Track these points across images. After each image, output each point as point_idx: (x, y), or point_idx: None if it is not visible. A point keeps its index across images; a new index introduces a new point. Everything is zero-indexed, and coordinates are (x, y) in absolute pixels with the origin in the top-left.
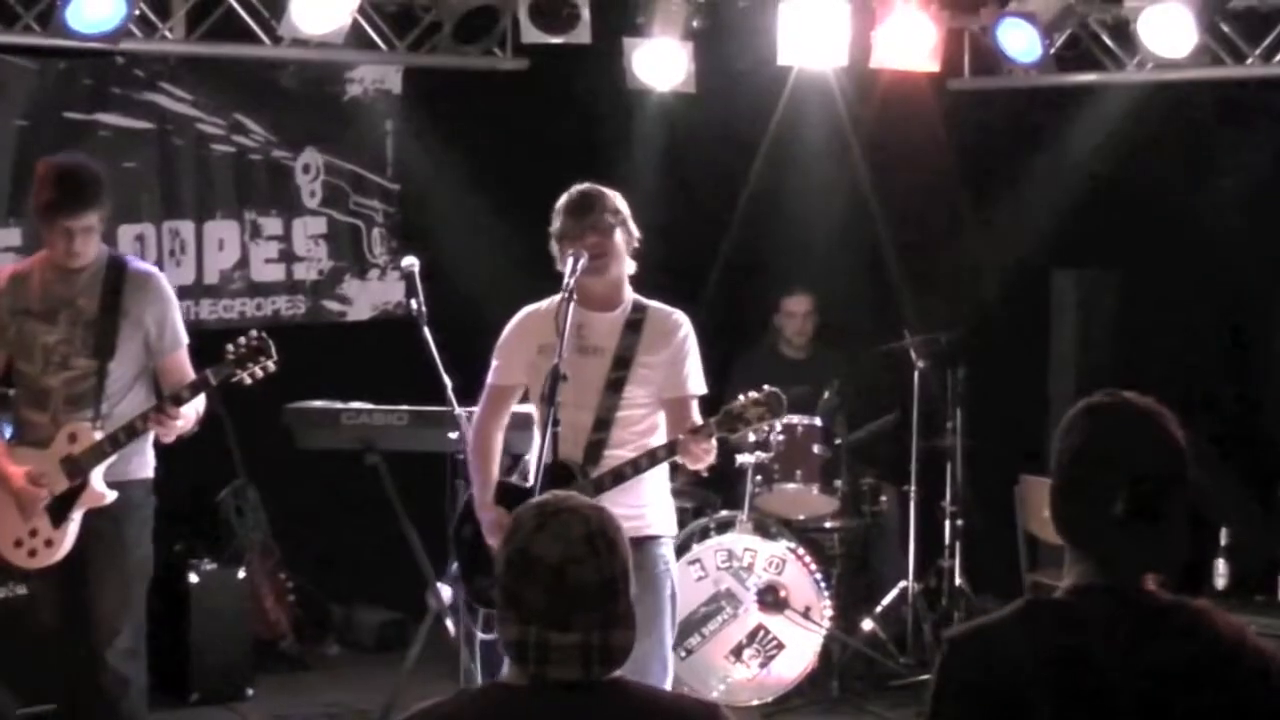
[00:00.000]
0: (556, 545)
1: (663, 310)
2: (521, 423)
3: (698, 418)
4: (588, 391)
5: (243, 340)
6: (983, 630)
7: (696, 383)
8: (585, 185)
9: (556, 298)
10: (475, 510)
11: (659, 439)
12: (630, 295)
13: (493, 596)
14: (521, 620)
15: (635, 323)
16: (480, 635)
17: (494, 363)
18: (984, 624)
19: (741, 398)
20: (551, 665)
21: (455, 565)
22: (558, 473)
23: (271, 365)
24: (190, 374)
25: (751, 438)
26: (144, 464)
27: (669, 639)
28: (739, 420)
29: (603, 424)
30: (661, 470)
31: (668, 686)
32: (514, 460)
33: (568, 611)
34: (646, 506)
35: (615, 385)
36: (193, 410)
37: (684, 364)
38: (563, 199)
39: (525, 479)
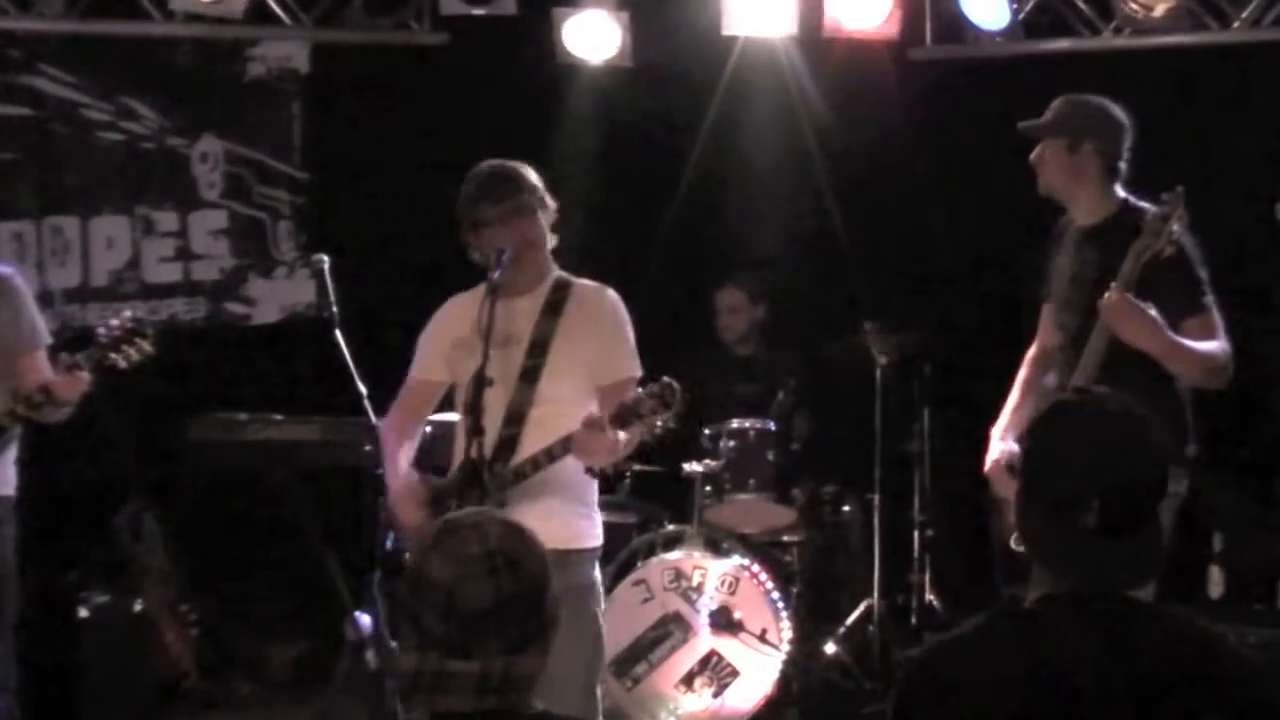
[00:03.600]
0: (449, 565)
1: (588, 287)
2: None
3: None
4: (502, 384)
5: (115, 321)
6: (944, 648)
7: (632, 364)
8: (494, 163)
9: (479, 286)
10: (399, 517)
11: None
12: (553, 274)
13: None
14: (421, 648)
15: (555, 303)
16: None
17: (415, 356)
18: (944, 641)
19: (634, 391)
20: (442, 695)
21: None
22: (465, 473)
23: (148, 347)
24: (50, 376)
25: (646, 439)
26: (4, 481)
27: (596, 667)
28: (631, 414)
29: (515, 419)
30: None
31: None
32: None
33: (464, 637)
34: (562, 514)
35: (530, 375)
36: (75, 393)
37: (615, 344)
38: (471, 181)
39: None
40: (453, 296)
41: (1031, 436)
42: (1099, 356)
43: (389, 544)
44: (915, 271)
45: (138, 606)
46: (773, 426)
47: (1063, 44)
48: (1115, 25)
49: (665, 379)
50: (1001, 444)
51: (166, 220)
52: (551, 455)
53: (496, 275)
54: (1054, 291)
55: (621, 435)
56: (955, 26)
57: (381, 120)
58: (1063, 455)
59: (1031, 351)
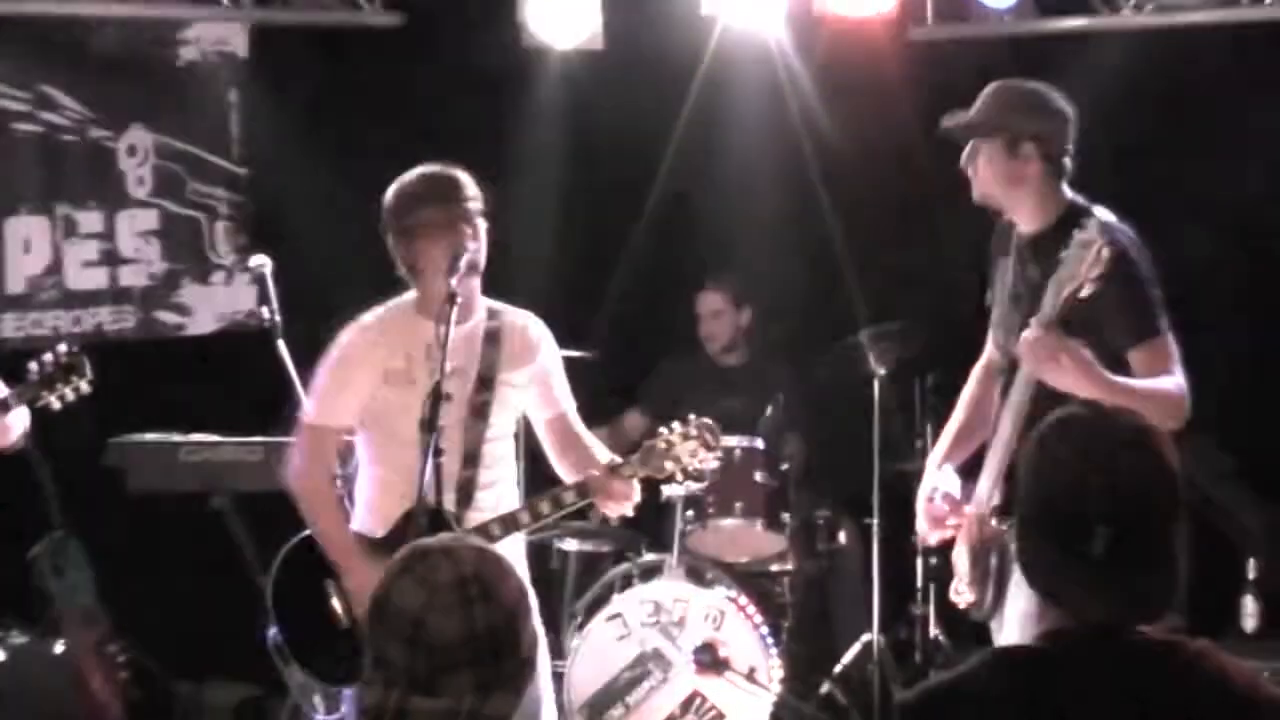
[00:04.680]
0: (419, 593)
1: (518, 316)
2: None
3: (584, 430)
4: (456, 409)
5: (50, 356)
6: (941, 691)
7: (569, 394)
8: (433, 168)
9: (395, 305)
10: (343, 577)
11: (515, 470)
12: (483, 301)
13: (336, 670)
14: (386, 684)
15: (493, 333)
16: (320, 718)
17: (317, 392)
18: (942, 683)
19: (664, 430)
20: None
21: (275, 633)
22: (426, 521)
23: (85, 386)
24: None
25: (680, 481)
26: None
27: (548, 699)
28: (665, 457)
29: (471, 459)
30: (514, 499)
31: None
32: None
33: (432, 672)
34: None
35: (481, 411)
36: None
37: (558, 375)
38: (408, 186)
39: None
40: (359, 322)
41: (1031, 456)
42: (1026, 396)
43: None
44: (916, 273)
45: (59, 648)
46: (760, 445)
47: (1078, 22)
48: (1136, 2)
49: (700, 419)
50: (926, 480)
51: (90, 220)
52: (537, 514)
53: (454, 282)
54: (995, 304)
55: (633, 483)
56: (960, 3)
57: (328, 110)
58: (1065, 476)
59: (979, 367)
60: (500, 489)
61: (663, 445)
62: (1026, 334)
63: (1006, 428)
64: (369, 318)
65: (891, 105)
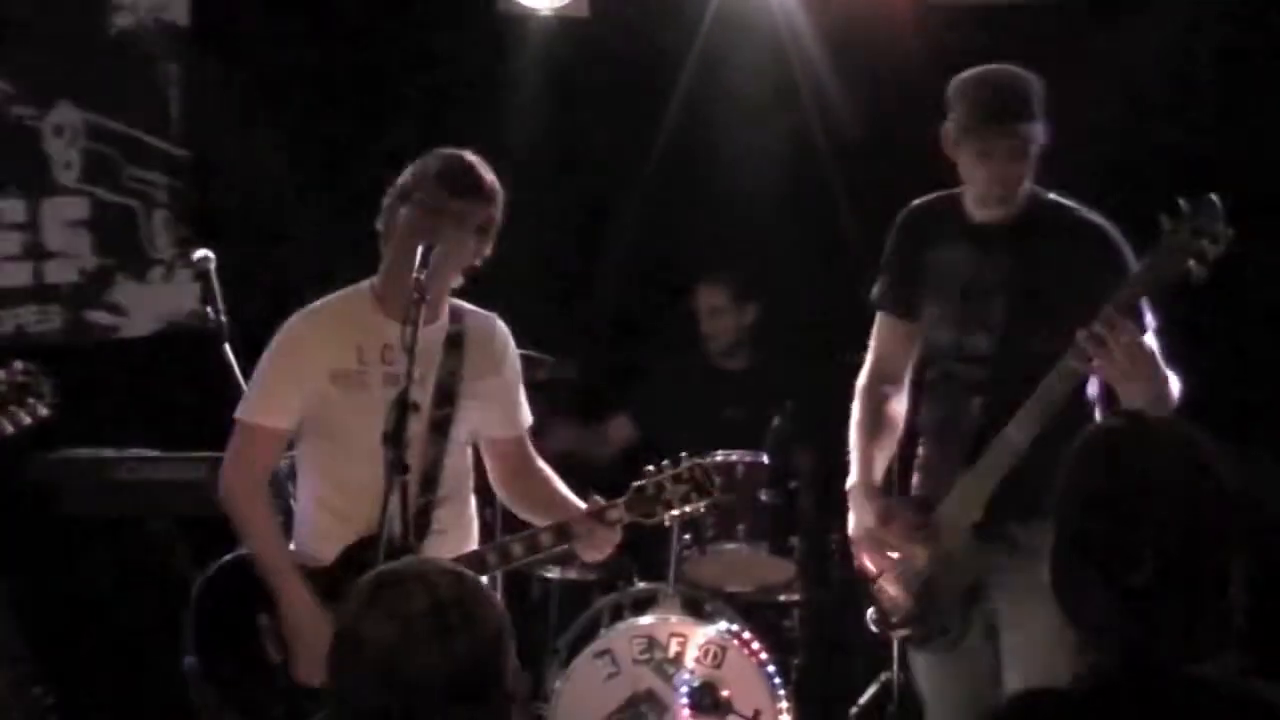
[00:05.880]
0: (391, 624)
1: (481, 318)
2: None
3: (536, 454)
4: (415, 422)
5: (2, 374)
6: None
7: (528, 413)
8: (469, 156)
9: (350, 294)
10: (278, 602)
11: (469, 486)
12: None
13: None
14: None
15: (456, 338)
16: None
17: (257, 389)
18: None
19: (653, 471)
20: None
21: (191, 661)
22: (383, 552)
23: (43, 409)
24: None
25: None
26: None
27: None
28: (655, 502)
29: (429, 481)
30: (471, 516)
31: None
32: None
33: (409, 712)
34: None
35: (441, 426)
36: None
37: (517, 391)
38: (445, 162)
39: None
40: (306, 310)
41: (1069, 472)
42: (1056, 402)
43: None
44: None
45: None
46: (766, 459)
47: None
48: None
49: (694, 459)
50: (870, 504)
51: (12, 210)
52: (508, 557)
53: (423, 276)
54: (934, 299)
55: (618, 530)
56: None
57: (281, 86)
58: (1107, 496)
59: (867, 378)
60: (454, 506)
61: (651, 489)
62: (1111, 332)
63: (1017, 434)
64: (319, 305)
65: (909, 78)
